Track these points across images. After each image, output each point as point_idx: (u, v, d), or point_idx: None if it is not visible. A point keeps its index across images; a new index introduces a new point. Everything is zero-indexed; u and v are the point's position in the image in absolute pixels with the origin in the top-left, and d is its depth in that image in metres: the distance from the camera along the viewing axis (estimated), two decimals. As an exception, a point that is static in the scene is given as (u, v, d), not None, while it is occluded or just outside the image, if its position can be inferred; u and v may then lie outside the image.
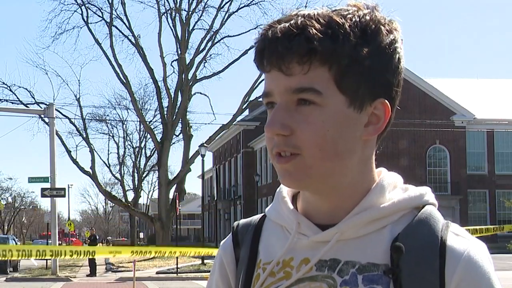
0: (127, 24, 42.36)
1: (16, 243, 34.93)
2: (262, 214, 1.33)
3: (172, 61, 43.19)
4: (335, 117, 1.13)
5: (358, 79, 1.13)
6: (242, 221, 1.35)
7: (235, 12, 42.70)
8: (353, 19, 1.13)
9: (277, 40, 1.12)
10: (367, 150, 1.19)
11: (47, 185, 29.14)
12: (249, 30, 43.44)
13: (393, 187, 1.22)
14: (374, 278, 1.13)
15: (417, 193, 1.21)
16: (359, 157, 1.17)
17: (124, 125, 64.47)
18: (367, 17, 1.14)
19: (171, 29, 43.03)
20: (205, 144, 35.74)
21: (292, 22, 1.12)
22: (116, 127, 66.15)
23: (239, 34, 56.32)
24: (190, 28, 43.15)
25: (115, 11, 44.65)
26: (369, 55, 1.12)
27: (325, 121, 1.12)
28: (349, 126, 1.14)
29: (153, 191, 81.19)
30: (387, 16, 1.17)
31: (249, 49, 41.25)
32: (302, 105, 1.13)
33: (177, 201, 31.81)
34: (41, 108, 35.98)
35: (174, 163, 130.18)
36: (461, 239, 1.15)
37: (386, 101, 1.17)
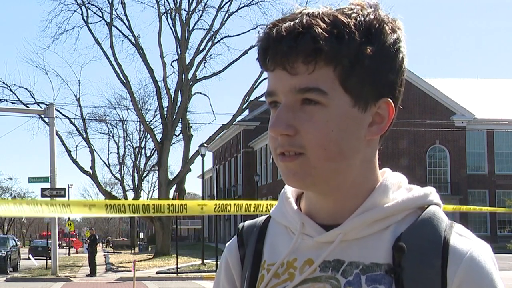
0: (127, 24, 42.45)
1: (16, 243, 34.93)
2: (267, 215, 1.33)
3: (172, 61, 43.31)
4: (339, 117, 1.12)
5: (363, 79, 1.12)
6: (247, 222, 1.35)
7: (235, 12, 42.79)
8: (358, 18, 1.12)
9: (282, 39, 1.11)
10: (370, 150, 1.19)
11: (47, 185, 29.14)
12: (249, 30, 43.57)
13: (397, 187, 1.21)
14: (377, 278, 1.13)
15: (421, 193, 1.20)
16: (363, 157, 1.17)
17: (124, 125, 64.56)
18: (371, 16, 1.13)
19: (171, 29, 43.12)
20: (205, 144, 35.68)
21: (297, 21, 1.11)
22: (116, 127, 66.27)
23: (239, 34, 56.58)
24: (190, 28, 43.17)
25: (115, 11, 44.78)
26: (373, 55, 1.12)
27: (329, 121, 1.12)
28: (353, 126, 1.14)
29: (153, 191, 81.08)
30: (390, 14, 1.17)
31: (249, 49, 41.28)
32: (307, 104, 1.12)
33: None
34: (41, 108, 36.00)
35: (174, 163, 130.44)
36: (464, 240, 1.14)
37: (390, 100, 1.16)
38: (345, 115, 1.13)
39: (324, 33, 1.09)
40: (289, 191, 1.28)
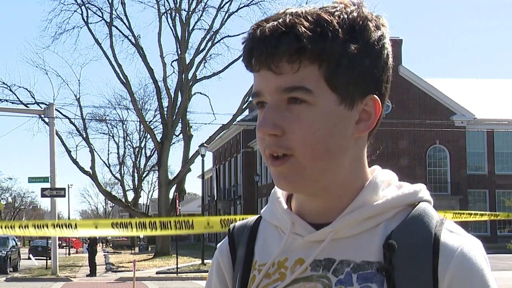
0: (127, 24, 42.42)
1: (16, 244, 34.93)
2: (258, 215, 1.33)
3: (172, 61, 43.28)
4: (326, 116, 1.12)
5: (348, 76, 1.12)
6: (238, 223, 1.35)
7: (235, 12, 42.77)
8: (341, 16, 1.12)
9: (266, 39, 1.11)
10: (359, 147, 1.18)
11: (47, 185, 29.14)
12: (249, 30, 43.45)
13: (387, 185, 1.21)
14: (368, 276, 1.13)
15: (411, 190, 1.20)
16: (351, 155, 1.17)
17: (124, 125, 64.61)
18: (355, 14, 1.13)
19: (171, 29, 43.11)
20: (205, 144, 35.72)
21: (280, 20, 1.11)
22: (116, 127, 66.30)
23: (239, 34, 56.10)
24: (190, 28, 43.17)
25: (115, 11, 44.78)
26: (358, 52, 1.12)
27: (316, 120, 1.11)
28: (340, 124, 1.13)
29: (153, 191, 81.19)
30: (374, 12, 1.17)
31: (249, 49, 41.12)
32: (293, 104, 1.12)
33: (177, 201, 31.75)
34: (41, 108, 36.00)
35: (174, 163, 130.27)
36: (455, 236, 1.13)
37: (376, 97, 1.16)
38: (332, 113, 1.12)
39: (308, 32, 1.09)
40: (279, 190, 1.28)
